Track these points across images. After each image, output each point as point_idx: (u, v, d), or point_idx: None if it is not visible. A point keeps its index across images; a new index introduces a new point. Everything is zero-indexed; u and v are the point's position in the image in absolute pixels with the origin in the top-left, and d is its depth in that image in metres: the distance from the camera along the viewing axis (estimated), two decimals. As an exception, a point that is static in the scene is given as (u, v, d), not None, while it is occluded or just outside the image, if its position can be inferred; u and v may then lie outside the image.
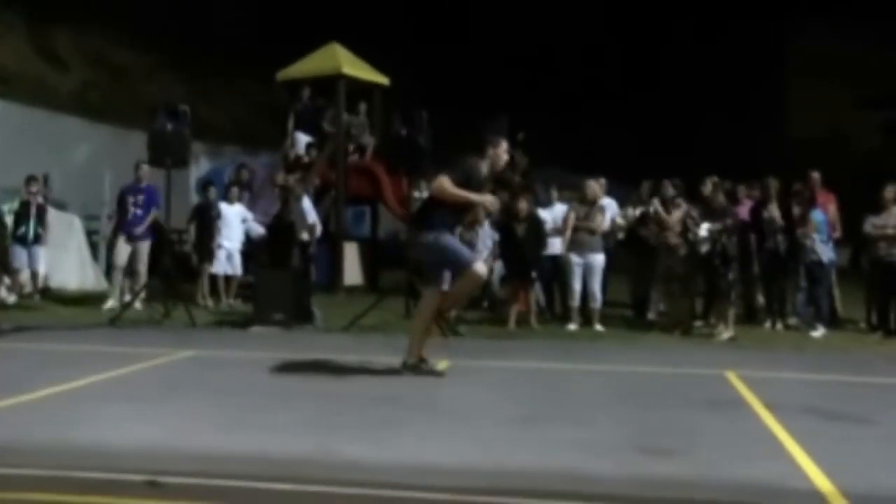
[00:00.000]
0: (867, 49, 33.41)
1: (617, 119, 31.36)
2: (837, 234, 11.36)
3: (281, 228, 12.10)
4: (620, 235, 11.87)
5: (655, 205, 11.14)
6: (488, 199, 7.21)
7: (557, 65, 32.09)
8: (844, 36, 33.71)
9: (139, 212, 12.22)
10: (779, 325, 10.89)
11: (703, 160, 19.20)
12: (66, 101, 20.36)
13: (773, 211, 10.88)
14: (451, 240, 7.08)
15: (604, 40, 33.02)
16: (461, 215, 7.40)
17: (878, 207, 10.61)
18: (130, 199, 12.24)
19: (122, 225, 12.35)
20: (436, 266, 7.05)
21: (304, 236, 12.17)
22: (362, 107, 15.87)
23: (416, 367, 7.07)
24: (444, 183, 6.85)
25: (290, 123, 15.62)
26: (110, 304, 11.88)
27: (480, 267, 7.08)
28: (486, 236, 13.13)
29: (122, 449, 4.67)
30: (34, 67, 21.26)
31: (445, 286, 7.07)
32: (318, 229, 12.59)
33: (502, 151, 7.20)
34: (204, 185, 13.40)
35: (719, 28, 32.98)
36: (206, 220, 12.83)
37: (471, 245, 13.20)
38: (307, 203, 12.51)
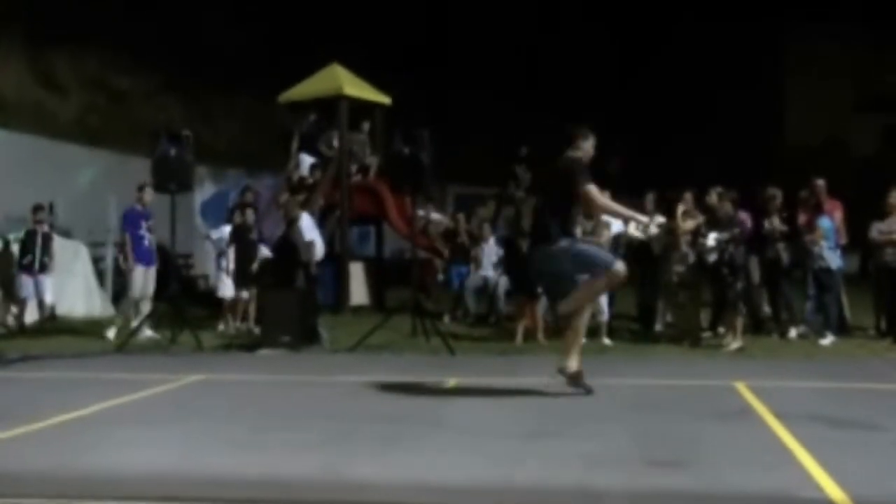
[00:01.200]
0: (867, 51, 33.42)
1: (613, 127, 31.36)
2: (843, 240, 11.34)
3: (286, 250, 12.11)
4: (621, 251, 11.74)
5: (658, 219, 11.13)
6: (645, 219, 7.23)
7: (557, 78, 32.14)
8: (843, 38, 33.72)
9: (151, 237, 12.00)
10: (792, 332, 10.81)
11: (701, 166, 19.22)
12: (66, 127, 20.44)
13: (775, 221, 10.88)
14: (586, 245, 6.98)
15: (599, 46, 33.08)
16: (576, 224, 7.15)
17: (883, 213, 10.59)
18: (144, 225, 11.88)
19: (140, 252, 11.84)
20: (572, 274, 6.91)
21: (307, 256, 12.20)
22: (365, 126, 15.90)
23: (575, 377, 6.91)
24: (595, 193, 6.73)
25: (295, 145, 15.67)
26: (112, 332, 11.50)
27: (621, 266, 6.82)
28: (492, 252, 13.17)
29: (131, 475, 4.67)
30: (33, 93, 21.38)
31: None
32: (319, 248, 12.55)
33: (591, 146, 7.05)
34: (241, 207, 13.27)
35: (715, 30, 32.99)
36: (245, 243, 12.70)
37: (476, 261, 13.32)
38: (306, 221, 12.53)
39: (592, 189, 6.74)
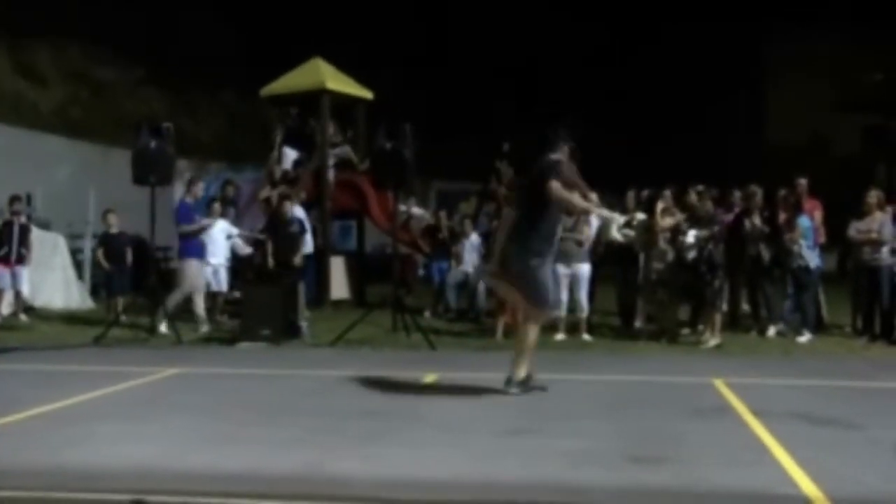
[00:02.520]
0: (849, 52, 33.65)
1: (596, 126, 31.44)
2: (822, 239, 11.43)
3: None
4: (600, 249, 11.70)
5: (638, 216, 11.19)
6: (605, 212, 7.17)
7: (539, 75, 32.23)
8: (825, 38, 33.94)
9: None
10: (771, 330, 10.87)
11: (684, 166, 19.27)
12: (47, 119, 20.29)
13: (756, 219, 10.94)
14: (548, 275, 6.83)
15: (583, 48, 33.16)
16: (554, 237, 6.95)
17: (861, 212, 10.67)
18: (196, 218, 11.86)
19: (193, 246, 11.77)
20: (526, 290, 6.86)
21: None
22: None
23: (524, 383, 6.83)
24: (555, 188, 6.60)
25: (279, 139, 15.57)
26: (164, 326, 11.10)
27: (547, 314, 6.96)
28: (473, 248, 13.18)
29: (108, 469, 4.64)
30: (13, 85, 21.19)
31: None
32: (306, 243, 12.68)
33: (568, 150, 6.97)
34: (280, 198, 13.25)
35: (698, 31, 33.13)
36: (282, 234, 12.57)
37: (457, 257, 13.32)
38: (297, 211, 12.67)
39: (554, 185, 6.63)
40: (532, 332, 6.90)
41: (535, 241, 6.77)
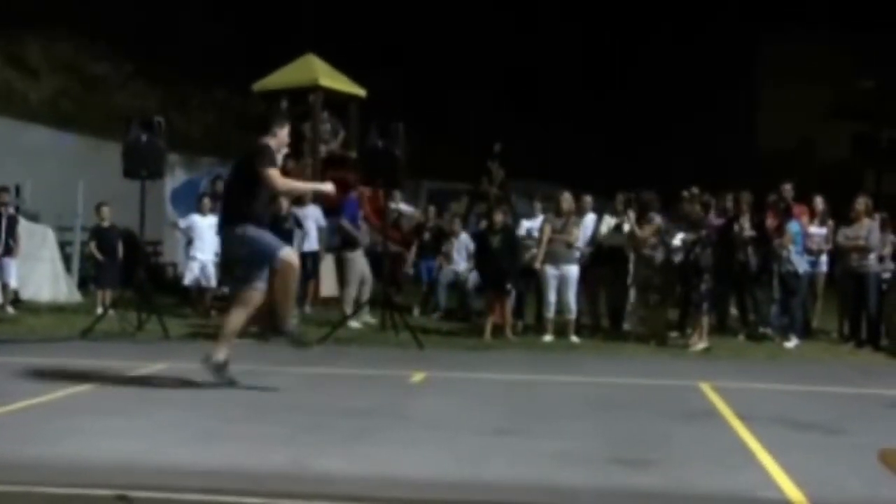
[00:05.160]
0: (841, 58, 33.77)
1: (586, 128, 31.51)
2: (829, 246, 11.50)
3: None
4: (588, 250, 11.66)
5: (630, 218, 11.20)
6: (328, 188, 7.64)
7: (533, 77, 32.24)
8: (818, 44, 34.05)
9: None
10: (762, 331, 10.91)
11: (675, 168, 19.34)
12: (37, 110, 20.17)
13: (745, 223, 10.98)
14: (259, 231, 6.98)
15: (577, 50, 33.20)
16: (270, 205, 7.27)
17: (850, 219, 10.72)
18: (360, 213, 12.62)
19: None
20: (249, 261, 7.04)
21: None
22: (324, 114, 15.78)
23: (220, 367, 6.94)
24: (273, 175, 6.87)
25: None
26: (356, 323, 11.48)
27: (287, 254, 7.00)
28: (462, 247, 13.19)
29: (92, 463, 4.63)
30: (3, 75, 21.05)
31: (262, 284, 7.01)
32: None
33: (286, 133, 7.18)
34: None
35: (691, 34, 33.19)
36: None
37: (447, 256, 13.31)
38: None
39: (271, 173, 6.87)
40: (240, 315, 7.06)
41: (247, 209, 6.92)
